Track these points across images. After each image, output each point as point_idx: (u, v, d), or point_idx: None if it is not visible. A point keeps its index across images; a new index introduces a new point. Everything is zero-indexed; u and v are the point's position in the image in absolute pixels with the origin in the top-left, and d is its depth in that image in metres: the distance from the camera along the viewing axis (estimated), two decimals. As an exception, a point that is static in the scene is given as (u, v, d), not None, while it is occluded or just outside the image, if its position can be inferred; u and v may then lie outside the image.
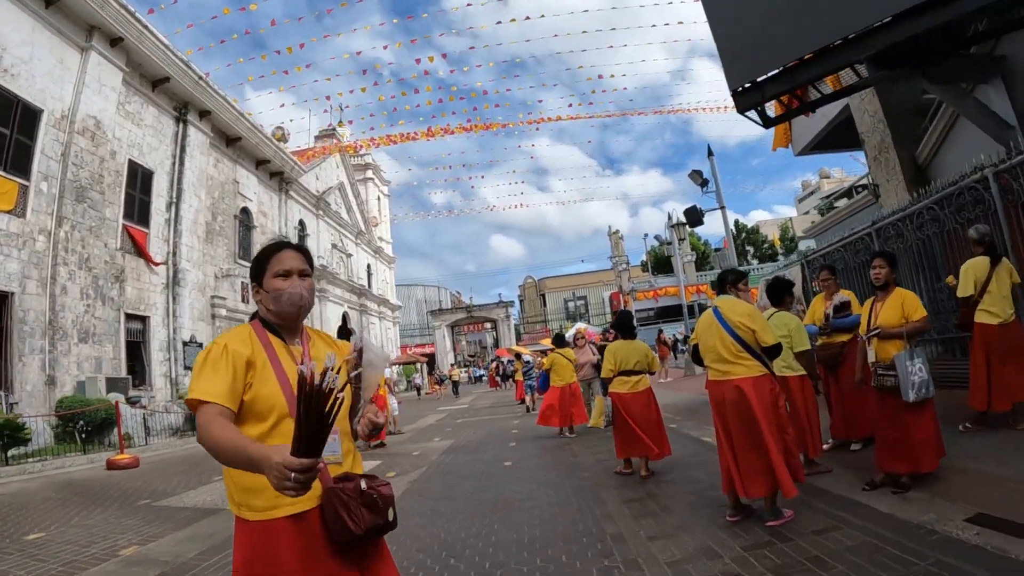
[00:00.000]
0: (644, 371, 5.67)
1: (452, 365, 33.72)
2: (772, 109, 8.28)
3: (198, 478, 8.28)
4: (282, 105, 41.19)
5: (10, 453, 9.44)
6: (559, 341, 9.85)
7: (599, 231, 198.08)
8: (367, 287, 38.11)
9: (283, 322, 1.66)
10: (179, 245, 17.77)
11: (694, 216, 16.94)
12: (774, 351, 3.81)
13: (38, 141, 12.48)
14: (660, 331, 23.11)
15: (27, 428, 10.06)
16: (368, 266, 39.84)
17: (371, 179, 43.04)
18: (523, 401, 15.85)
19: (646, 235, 43.04)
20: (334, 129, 35.79)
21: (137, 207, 16.17)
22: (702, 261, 46.61)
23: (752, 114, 7.70)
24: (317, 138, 35.31)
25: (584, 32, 49.83)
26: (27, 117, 12.23)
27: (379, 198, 44.74)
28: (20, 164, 12.07)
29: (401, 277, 57.91)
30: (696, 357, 4.18)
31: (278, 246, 1.70)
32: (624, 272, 36.63)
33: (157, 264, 16.38)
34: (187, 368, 17.31)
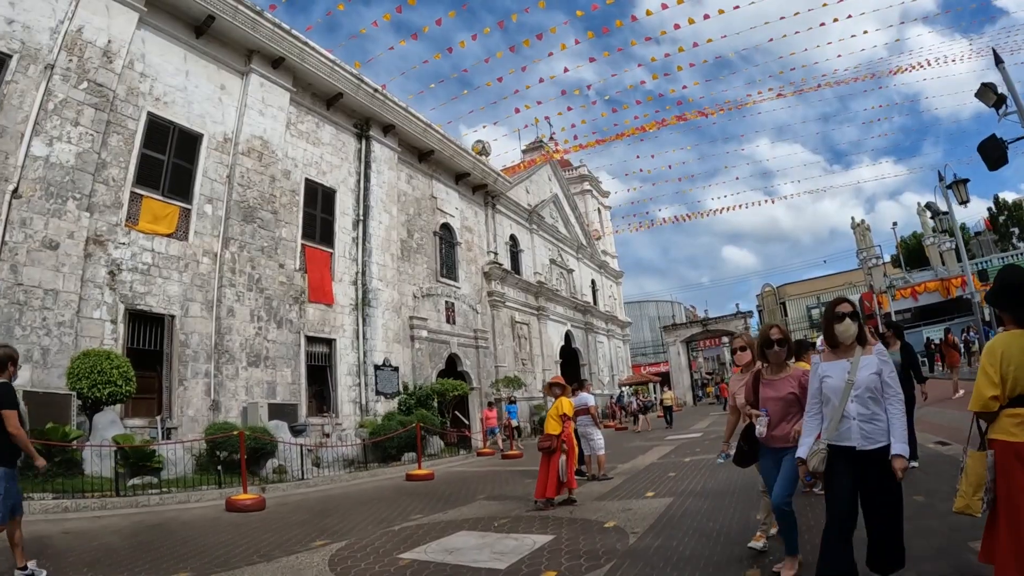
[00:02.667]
0: None
1: (665, 388, 28.42)
2: None
3: (308, 536, 6.13)
4: (495, 140, 41.71)
5: (130, 483, 8.54)
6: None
7: (835, 231, 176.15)
8: (592, 304, 35.37)
9: None
10: (368, 264, 17.15)
11: (994, 149, 10.28)
12: None
13: (199, 164, 12.45)
14: (947, 330, 16.44)
15: (158, 456, 9.23)
16: (592, 282, 37.18)
17: (589, 191, 40.71)
18: None
19: (895, 223, 33.55)
20: (541, 142, 34.40)
21: (319, 226, 15.86)
22: (962, 249, 36.04)
23: None
24: (524, 152, 34.29)
25: (786, 23, 40.76)
26: (185, 142, 12.25)
27: (599, 210, 42.14)
28: (180, 188, 12.07)
29: (633, 293, 54.44)
30: None
31: None
32: (875, 268, 28.36)
33: (325, 301, 15.38)
34: (379, 393, 16.33)
